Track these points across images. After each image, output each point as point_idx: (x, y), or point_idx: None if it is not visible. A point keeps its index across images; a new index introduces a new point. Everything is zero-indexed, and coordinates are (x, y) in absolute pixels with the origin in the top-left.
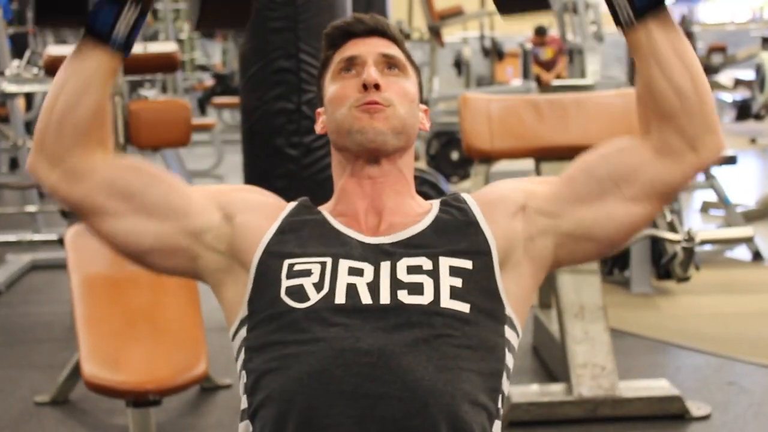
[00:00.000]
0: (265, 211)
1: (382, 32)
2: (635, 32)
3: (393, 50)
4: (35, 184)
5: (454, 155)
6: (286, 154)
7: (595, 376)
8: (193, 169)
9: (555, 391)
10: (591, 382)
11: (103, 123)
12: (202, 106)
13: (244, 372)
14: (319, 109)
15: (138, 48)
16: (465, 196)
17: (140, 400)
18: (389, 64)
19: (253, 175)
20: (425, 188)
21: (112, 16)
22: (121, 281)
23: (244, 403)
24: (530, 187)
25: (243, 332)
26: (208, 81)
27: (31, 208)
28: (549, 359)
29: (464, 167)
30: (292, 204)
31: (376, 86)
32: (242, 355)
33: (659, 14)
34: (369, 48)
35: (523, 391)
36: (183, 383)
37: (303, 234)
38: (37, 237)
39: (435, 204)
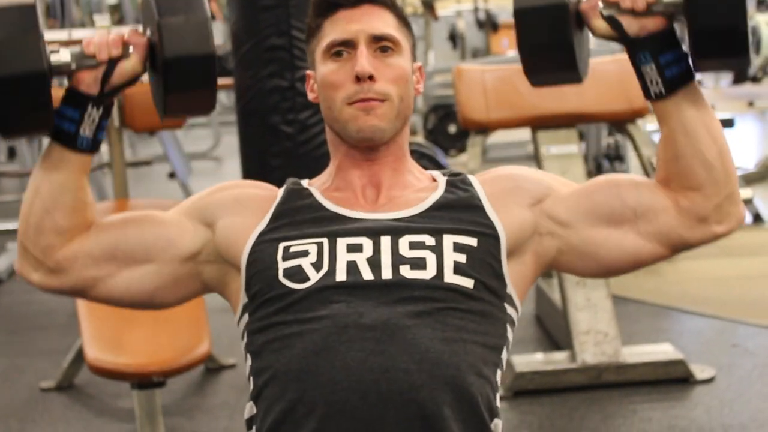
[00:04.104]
0: (251, 206)
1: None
2: (664, 103)
3: (384, 25)
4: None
5: (452, 128)
6: (282, 131)
7: (599, 343)
8: (191, 151)
9: (559, 359)
10: (594, 349)
11: (83, 215)
12: None
13: (248, 355)
14: (309, 72)
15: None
16: (471, 178)
17: (144, 381)
18: (382, 45)
19: (250, 155)
20: (423, 162)
21: (75, 119)
22: None
23: (251, 386)
24: (554, 184)
25: (245, 318)
26: None
27: None
28: (552, 328)
29: (462, 140)
30: (281, 191)
31: (370, 77)
32: (245, 339)
33: (689, 88)
34: (360, 26)
35: (527, 360)
36: (186, 364)
37: (296, 219)
38: None
39: (440, 181)
